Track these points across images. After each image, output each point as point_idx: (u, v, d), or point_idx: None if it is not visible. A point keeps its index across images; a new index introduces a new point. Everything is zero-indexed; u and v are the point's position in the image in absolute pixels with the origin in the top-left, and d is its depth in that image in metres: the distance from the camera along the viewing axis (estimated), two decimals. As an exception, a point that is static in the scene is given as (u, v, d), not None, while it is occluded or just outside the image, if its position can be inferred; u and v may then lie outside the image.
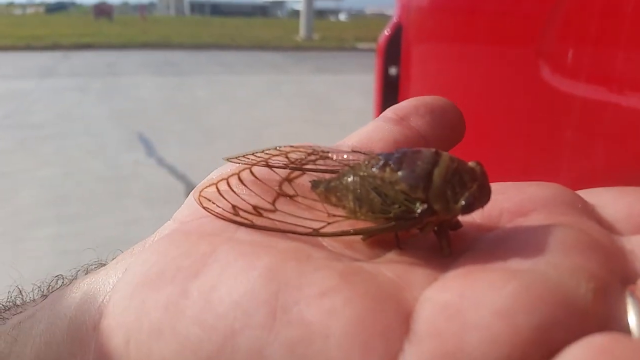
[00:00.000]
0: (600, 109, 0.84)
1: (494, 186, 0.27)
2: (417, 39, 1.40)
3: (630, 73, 0.73)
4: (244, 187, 0.28)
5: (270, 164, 0.29)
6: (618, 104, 0.80)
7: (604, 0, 0.79)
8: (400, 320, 0.19)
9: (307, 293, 0.20)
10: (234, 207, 0.26)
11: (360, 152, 0.29)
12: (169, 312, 0.21)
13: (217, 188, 0.28)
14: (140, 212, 3.22)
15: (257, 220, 0.26)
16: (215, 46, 13.78)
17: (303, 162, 0.30)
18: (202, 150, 4.46)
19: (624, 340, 0.17)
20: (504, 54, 1.06)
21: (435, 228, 0.25)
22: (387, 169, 0.25)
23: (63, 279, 0.31)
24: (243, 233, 0.25)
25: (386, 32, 1.48)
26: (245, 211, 0.26)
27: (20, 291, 0.33)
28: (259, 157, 0.30)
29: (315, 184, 0.28)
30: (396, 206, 0.25)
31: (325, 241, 0.25)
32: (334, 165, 0.29)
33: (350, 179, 0.27)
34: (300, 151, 0.30)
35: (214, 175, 0.29)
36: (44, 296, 0.31)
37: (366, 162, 0.27)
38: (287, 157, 0.30)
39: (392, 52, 1.44)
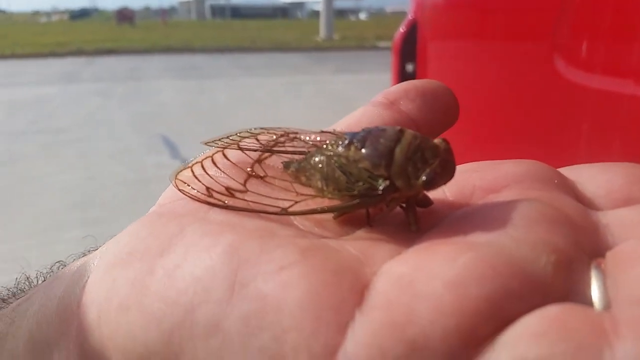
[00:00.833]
0: (616, 101, 0.84)
1: (470, 165, 0.27)
2: (432, 36, 1.40)
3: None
4: (217, 169, 0.29)
5: (241, 146, 0.30)
6: (634, 95, 0.80)
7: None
8: (354, 293, 0.19)
9: (265, 268, 0.20)
10: (207, 189, 0.27)
11: (329, 133, 0.30)
12: (135, 288, 0.22)
13: (192, 171, 0.29)
14: (163, 214, 3.22)
15: (229, 201, 0.26)
16: (235, 49, 13.85)
17: (273, 143, 0.31)
18: (224, 152, 4.41)
19: (580, 311, 0.17)
20: (519, 49, 1.06)
21: (404, 205, 0.25)
22: (352, 148, 0.26)
23: (64, 264, 0.32)
24: (215, 213, 0.25)
25: (401, 29, 1.48)
26: (218, 192, 0.27)
27: (28, 278, 0.34)
28: (232, 140, 0.31)
29: (286, 165, 0.29)
30: (360, 183, 0.25)
31: (296, 220, 0.26)
32: (302, 147, 0.30)
33: (317, 159, 0.27)
34: (271, 133, 0.31)
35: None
36: (45, 281, 0.32)
37: (333, 142, 0.27)
38: (257, 140, 0.31)
39: (408, 49, 1.45)
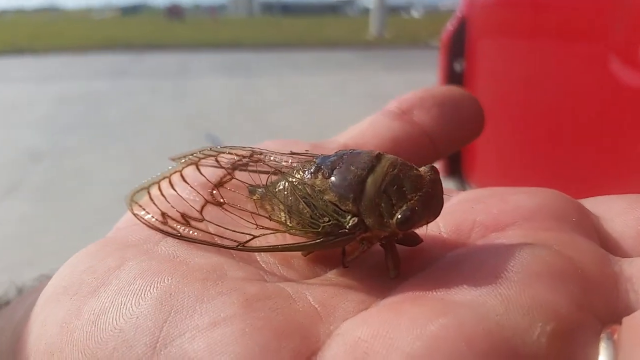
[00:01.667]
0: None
1: (475, 193, 0.23)
2: (482, 34, 1.35)
3: None
4: (173, 192, 0.27)
5: (199, 166, 0.28)
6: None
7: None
8: None
9: (196, 323, 0.17)
10: (163, 214, 0.25)
11: (299, 155, 0.26)
12: (62, 331, 0.20)
13: (149, 193, 0.27)
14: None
15: (185, 230, 0.24)
16: (284, 46, 13.79)
17: (236, 164, 0.28)
18: (269, 151, 4.35)
19: None
20: (573, 49, 0.99)
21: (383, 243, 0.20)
22: (319, 175, 0.22)
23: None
24: (166, 244, 0.23)
25: (450, 26, 1.42)
26: (173, 219, 0.25)
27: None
28: (196, 157, 0.28)
29: (252, 190, 0.26)
30: (326, 219, 0.21)
31: (260, 255, 0.23)
32: (267, 169, 0.26)
33: (282, 186, 0.24)
34: (236, 154, 0.28)
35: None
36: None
37: (300, 167, 0.24)
38: (217, 161, 0.28)
39: (457, 47, 1.38)
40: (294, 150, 0.24)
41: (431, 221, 0.21)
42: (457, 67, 1.36)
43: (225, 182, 0.27)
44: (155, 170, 0.29)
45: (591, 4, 0.94)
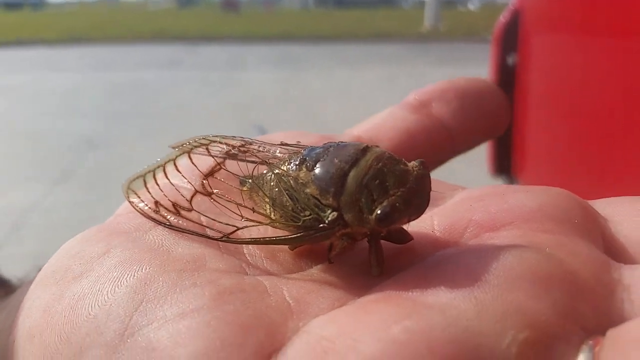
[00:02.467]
0: None
1: (478, 191, 0.23)
2: (537, 27, 1.28)
3: None
4: (167, 181, 0.27)
5: (192, 156, 0.28)
6: None
7: None
8: (257, 357, 0.16)
9: (165, 313, 0.18)
10: (156, 202, 0.25)
11: (289, 146, 0.26)
12: (44, 315, 0.21)
13: (144, 181, 0.27)
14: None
15: (174, 220, 0.24)
16: (335, 39, 13.73)
17: (228, 154, 0.27)
18: (315, 144, 4.37)
19: None
20: (634, 45, 0.91)
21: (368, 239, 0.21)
22: (303, 168, 0.21)
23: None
24: (155, 233, 0.24)
25: (503, 18, 1.36)
26: (165, 208, 0.25)
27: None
28: (189, 146, 0.28)
29: (242, 181, 0.26)
30: (307, 213, 0.22)
31: (247, 247, 0.23)
32: (254, 160, 0.26)
33: (269, 178, 0.24)
34: (227, 143, 0.28)
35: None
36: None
37: (287, 158, 0.24)
38: (207, 150, 0.28)
39: (509, 40, 1.32)
40: (303, 142, 0.23)
41: (414, 219, 0.20)
42: (510, 61, 1.30)
43: (216, 172, 0.27)
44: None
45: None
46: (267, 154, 0.26)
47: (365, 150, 0.21)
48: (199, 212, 0.24)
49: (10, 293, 0.29)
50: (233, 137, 0.28)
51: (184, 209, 0.25)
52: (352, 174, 0.20)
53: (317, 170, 0.21)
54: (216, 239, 0.23)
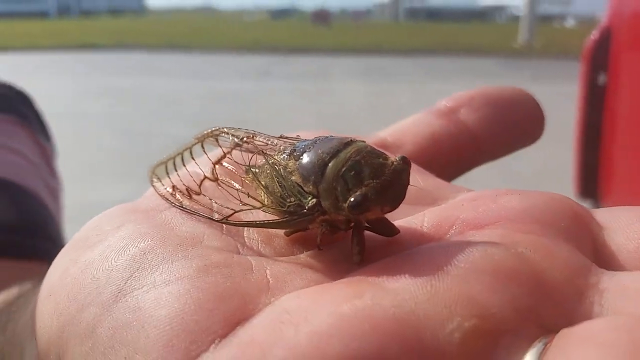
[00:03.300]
0: None
1: (479, 193, 0.24)
2: (629, 45, 1.25)
3: None
4: (183, 167, 0.29)
5: (204, 145, 0.30)
6: None
7: None
8: (227, 323, 0.18)
9: (154, 279, 0.20)
10: (173, 187, 0.27)
11: (288, 138, 0.28)
12: (60, 277, 0.23)
13: (166, 167, 0.30)
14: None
15: (185, 202, 0.26)
16: (425, 52, 13.61)
17: (234, 144, 0.29)
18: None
19: None
20: None
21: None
22: (292, 157, 0.24)
23: None
24: (169, 213, 0.25)
25: (593, 36, 1.34)
26: (180, 191, 0.27)
27: None
28: (202, 137, 0.31)
29: (247, 170, 0.28)
30: (292, 199, 0.23)
31: (246, 231, 0.24)
32: (254, 150, 0.28)
33: (265, 167, 0.26)
34: (232, 134, 0.30)
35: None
36: None
37: (282, 149, 0.26)
38: (217, 141, 0.30)
39: (600, 59, 1.29)
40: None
41: (388, 210, 0.21)
42: (600, 80, 1.28)
43: (223, 160, 0.29)
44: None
45: None
46: (266, 145, 0.28)
47: (348, 143, 0.22)
48: (206, 196, 0.27)
49: None
50: (239, 129, 0.30)
51: (194, 192, 0.27)
52: (331, 164, 0.21)
53: (302, 160, 0.23)
54: (217, 221, 0.24)
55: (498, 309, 0.16)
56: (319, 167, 0.22)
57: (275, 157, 0.25)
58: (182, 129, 5.33)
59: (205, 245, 0.23)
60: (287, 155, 0.24)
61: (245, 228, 0.25)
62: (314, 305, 0.17)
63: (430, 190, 0.27)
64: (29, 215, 0.63)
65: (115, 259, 0.22)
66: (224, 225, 0.25)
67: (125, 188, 3.62)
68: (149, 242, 0.22)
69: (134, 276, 0.21)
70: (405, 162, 0.22)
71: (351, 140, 0.23)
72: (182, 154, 0.30)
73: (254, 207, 0.26)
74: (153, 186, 0.28)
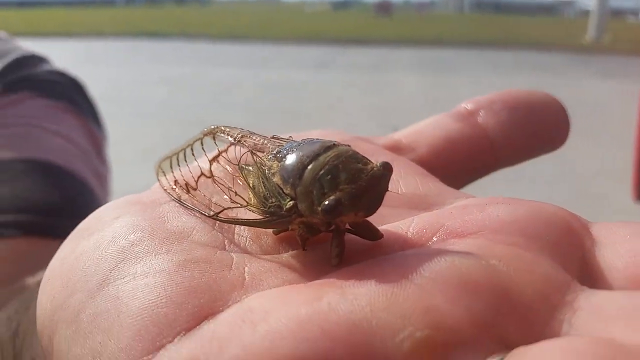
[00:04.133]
0: None
1: (474, 200, 0.24)
2: None
3: None
4: (185, 163, 0.30)
5: (203, 142, 0.31)
6: None
7: None
8: (193, 318, 0.19)
9: (135, 271, 0.21)
10: (175, 181, 0.28)
11: (279, 139, 0.28)
12: (59, 264, 0.24)
13: (170, 161, 0.31)
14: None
15: (183, 197, 0.27)
16: (488, 45, 13.30)
17: (229, 143, 0.30)
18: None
19: None
20: None
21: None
22: (277, 159, 0.24)
23: None
24: (167, 206, 0.26)
25: None
26: (180, 186, 0.28)
27: None
28: (201, 134, 0.31)
29: (241, 168, 0.28)
30: (273, 200, 0.24)
31: (238, 229, 0.25)
32: (245, 150, 0.28)
33: (253, 167, 0.26)
34: (228, 133, 0.30)
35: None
36: None
37: (269, 150, 0.26)
38: (214, 138, 0.31)
39: None
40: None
41: (362, 215, 0.21)
42: None
43: (218, 158, 0.30)
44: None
45: None
46: (258, 144, 0.28)
47: (329, 147, 0.22)
48: (202, 192, 0.27)
49: None
50: (235, 128, 0.30)
51: (192, 188, 0.28)
52: (310, 167, 0.22)
53: (284, 162, 0.23)
54: (207, 216, 0.25)
55: (454, 321, 0.16)
56: (298, 169, 0.22)
57: (263, 157, 0.25)
58: (240, 118, 5.42)
59: (192, 240, 0.23)
60: (272, 156, 0.24)
61: (238, 228, 0.25)
62: (276, 305, 0.18)
63: (428, 195, 0.26)
64: (72, 197, 0.64)
65: (106, 249, 0.22)
66: (215, 221, 0.25)
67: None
68: (138, 235, 0.23)
69: (118, 267, 0.21)
70: (385, 168, 0.21)
71: (334, 144, 0.23)
72: (184, 149, 0.31)
73: (241, 205, 0.26)
74: (158, 179, 0.29)
